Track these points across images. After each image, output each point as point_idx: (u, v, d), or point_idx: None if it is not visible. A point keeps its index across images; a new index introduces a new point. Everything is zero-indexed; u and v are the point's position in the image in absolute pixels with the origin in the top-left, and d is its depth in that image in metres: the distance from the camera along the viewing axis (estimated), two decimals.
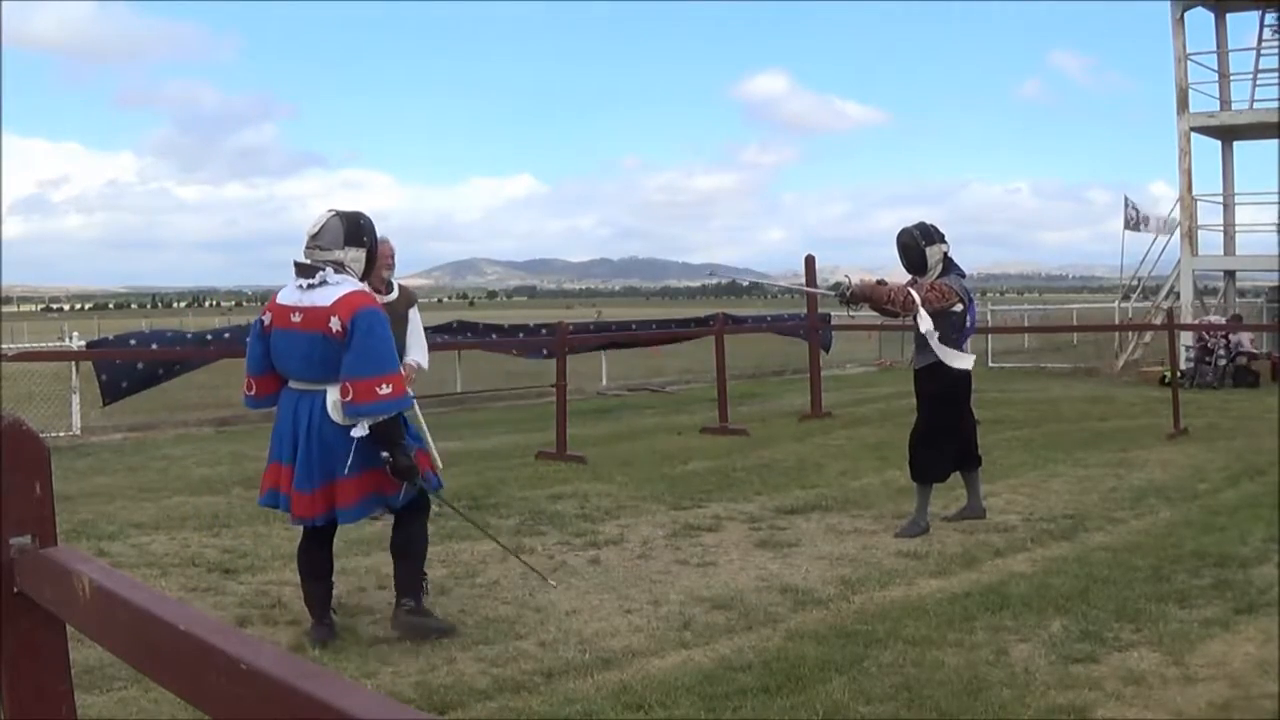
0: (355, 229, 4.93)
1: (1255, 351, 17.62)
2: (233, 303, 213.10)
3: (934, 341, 6.85)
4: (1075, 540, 6.69)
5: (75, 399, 12.84)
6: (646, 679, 4.40)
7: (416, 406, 5.16)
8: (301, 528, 5.01)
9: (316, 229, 4.89)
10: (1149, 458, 9.83)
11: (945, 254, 6.99)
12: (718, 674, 4.44)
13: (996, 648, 4.71)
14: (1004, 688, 4.24)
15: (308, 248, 4.88)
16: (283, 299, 4.90)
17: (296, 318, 4.77)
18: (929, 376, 7.01)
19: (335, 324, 4.65)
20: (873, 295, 6.83)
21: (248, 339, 5.25)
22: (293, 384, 4.90)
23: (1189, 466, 9.33)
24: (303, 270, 4.83)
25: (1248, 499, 7.84)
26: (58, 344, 17.92)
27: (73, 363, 12.96)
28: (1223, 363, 17.38)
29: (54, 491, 1.80)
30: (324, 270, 4.78)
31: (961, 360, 6.96)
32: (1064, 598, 5.39)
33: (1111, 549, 6.42)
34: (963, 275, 7.07)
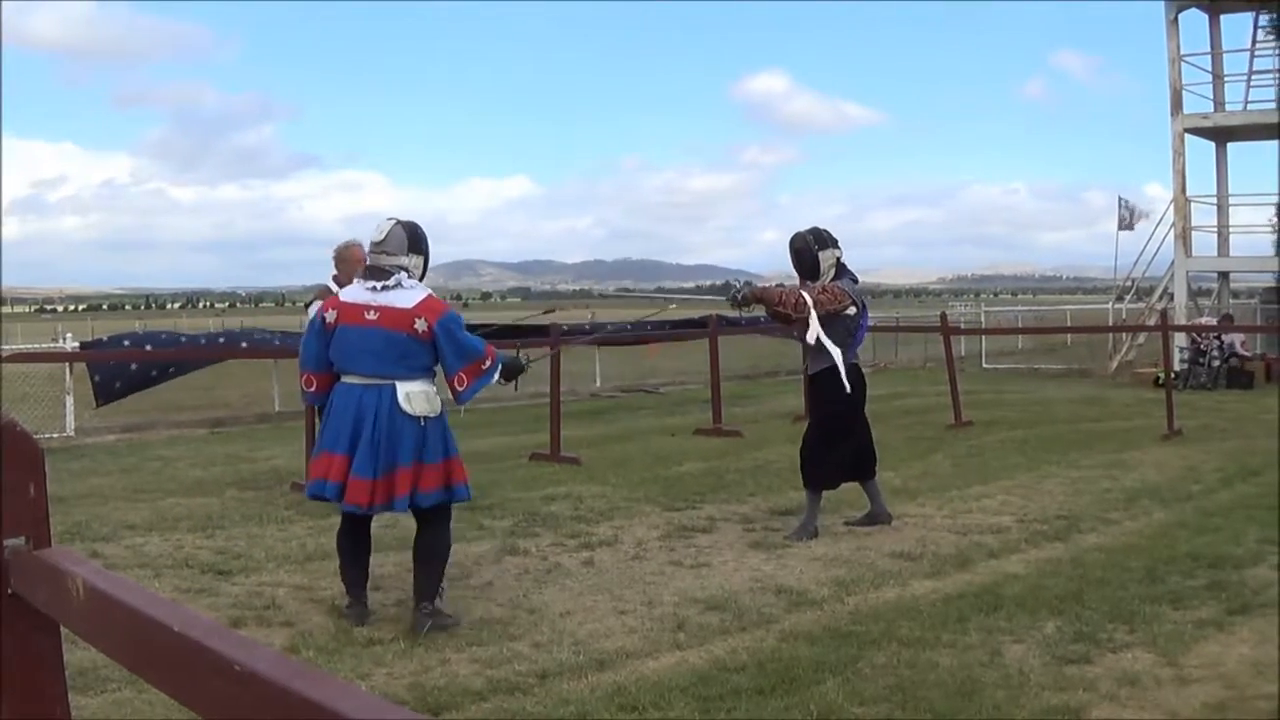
0: (416, 238, 5.29)
1: (1245, 354, 17.65)
2: (226, 304, 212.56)
3: (827, 344, 6.80)
4: (1069, 541, 6.71)
5: (69, 400, 12.82)
6: (640, 680, 4.40)
7: (446, 416, 5.30)
8: (343, 514, 5.24)
9: (381, 236, 5.22)
10: (1143, 459, 9.85)
11: (838, 259, 7.04)
12: (712, 675, 4.44)
13: (990, 649, 4.72)
14: (998, 689, 4.24)
15: (373, 253, 5.26)
16: (350, 298, 5.22)
17: (372, 315, 5.09)
18: (826, 382, 6.95)
19: (421, 325, 5.06)
20: (765, 297, 6.91)
21: (304, 338, 5.53)
22: (353, 378, 5.13)
23: (1183, 468, 9.35)
24: (375, 273, 5.19)
25: (1242, 500, 7.86)
26: (52, 345, 17.87)
27: (66, 364, 12.93)
28: (1216, 364, 17.41)
29: (48, 493, 1.79)
30: (397, 274, 5.15)
31: (840, 362, 6.85)
32: (1058, 599, 5.40)
33: (1105, 550, 6.44)
34: (855, 280, 7.10)
